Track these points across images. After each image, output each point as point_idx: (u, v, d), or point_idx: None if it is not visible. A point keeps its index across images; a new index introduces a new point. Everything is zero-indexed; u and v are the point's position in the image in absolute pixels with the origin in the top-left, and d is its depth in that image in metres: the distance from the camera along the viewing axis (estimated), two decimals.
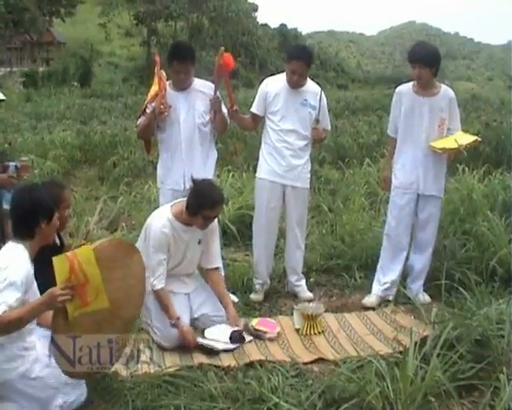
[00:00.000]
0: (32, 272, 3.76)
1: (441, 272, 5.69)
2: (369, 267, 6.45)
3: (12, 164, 5.22)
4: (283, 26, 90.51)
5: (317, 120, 5.95)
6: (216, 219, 5.41)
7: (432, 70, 5.77)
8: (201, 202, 4.99)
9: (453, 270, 5.93)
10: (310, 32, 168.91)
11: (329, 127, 6.32)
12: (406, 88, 6.02)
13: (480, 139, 6.19)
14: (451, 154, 5.93)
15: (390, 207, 6.22)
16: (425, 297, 5.97)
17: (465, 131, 6.30)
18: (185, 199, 5.16)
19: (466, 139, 5.84)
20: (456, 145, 5.71)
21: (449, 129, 5.89)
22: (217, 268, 5.57)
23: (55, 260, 3.71)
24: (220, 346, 4.97)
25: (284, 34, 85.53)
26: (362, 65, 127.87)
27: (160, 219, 5.12)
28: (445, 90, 5.93)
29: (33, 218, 3.83)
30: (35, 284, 3.83)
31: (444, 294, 5.46)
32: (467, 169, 9.19)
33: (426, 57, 5.78)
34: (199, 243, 5.32)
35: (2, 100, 9.79)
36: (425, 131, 5.85)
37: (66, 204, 4.84)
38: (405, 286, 6.04)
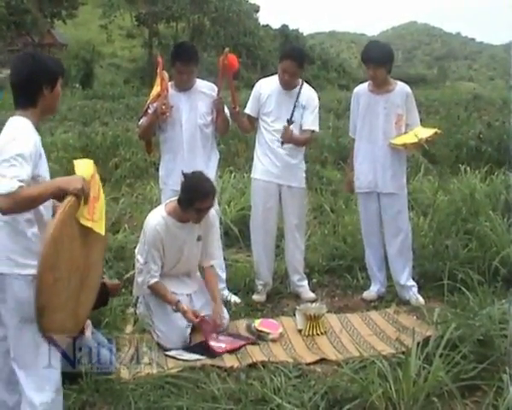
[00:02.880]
0: (39, 143, 3.50)
1: (443, 272, 5.70)
2: None
3: None
4: (285, 26, 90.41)
5: (289, 121, 5.86)
6: (215, 216, 5.43)
7: (386, 68, 5.82)
8: (192, 195, 5.03)
9: (455, 270, 5.92)
10: (311, 33, 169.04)
11: (317, 128, 6.16)
12: (362, 88, 6.09)
13: (439, 131, 6.18)
14: (412, 148, 5.99)
15: (359, 210, 6.34)
16: (419, 299, 5.94)
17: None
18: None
19: (426, 133, 5.85)
20: (416, 139, 5.74)
21: (408, 125, 5.89)
22: (211, 266, 5.55)
23: (82, 161, 3.68)
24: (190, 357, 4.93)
25: (286, 35, 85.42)
26: (363, 65, 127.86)
27: (155, 218, 5.18)
28: (401, 87, 5.95)
29: (36, 84, 3.52)
30: (44, 158, 3.56)
31: (446, 294, 5.46)
32: (469, 169, 9.20)
33: (379, 57, 5.82)
34: (198, 239, 5.34)
35: None
36: (381, 128, 5.88)
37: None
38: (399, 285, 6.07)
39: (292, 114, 5.87)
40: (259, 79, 6.44)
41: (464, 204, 7.42)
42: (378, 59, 5.79)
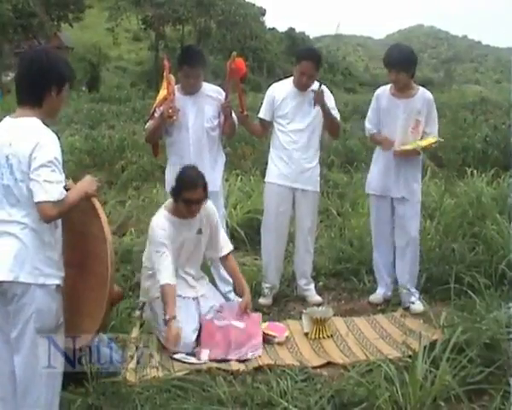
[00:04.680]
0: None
1: (450, 276, 5.70)
2: None
3: None
4: (291, 29, 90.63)
5: (320, 84, 5.86)
6: (214, 209, 5.47)
7: (408, 73, 5.74)
8: (179, 185, 5.12)
9: (462, 273, 5.91)
10: (318, 36, 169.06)
11: (338, 116, 6.16)
12: (384, 90, 6.02)
13: (441, 139, 6.13)
14: (408, 154, 5.81)
15: (370, 212, 6.31)
16: (419, 307, 5.87)
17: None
18: None
19: (426, 141, 5.79)
20: (413, 146, 5.70)
21: (425, 133, 5.82)
22: (228, 254, 5.55)
23: None
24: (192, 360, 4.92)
25: (292, 38, 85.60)
26: (370, 68, 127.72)
27: (158, 219, 5.19)
28: (423, 92, 5.88)
29: (45, 82, 3.43)
30: None
31: (453, 297, 5.45)
32: (475, 172, 9.18)
33: (402, 61, 5.73)
34: (198, 232, 5.34)
35: None
36: (399, 132, 5.81)
37: None
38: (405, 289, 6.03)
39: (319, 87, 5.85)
40: (266, 81, 6.52)
41: (471, 207, 7.42)
42: (399, 63, 5.71)
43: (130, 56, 72.93)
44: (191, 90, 5.79)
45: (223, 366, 4.74)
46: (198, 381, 4.37)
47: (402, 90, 5.82)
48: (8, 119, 3.51)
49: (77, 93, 39.75)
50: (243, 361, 4.86)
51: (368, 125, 6.13)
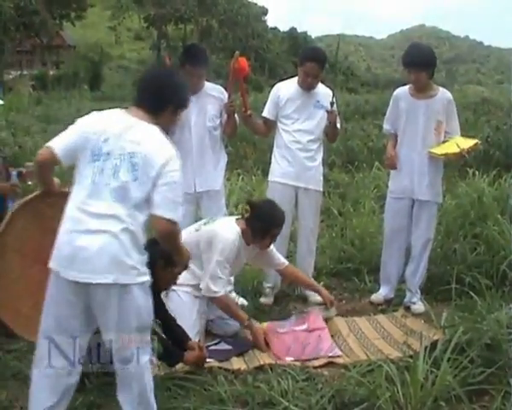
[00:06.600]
0: None
1: (451, 276, 5.70)
2: (378, 271, 6.42)
3: (14, 173, 5.20)
4: (293, 29, 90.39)
5: (332, 104, 5.92)
6: None
7: (428, 73, 5.68)
8: (270, 223, 5.21)
9: (463, 274, 5.91)
10: (319, 36, 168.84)
11: (339, 125, 6.24)
12: (403, 91, 5.94)
13: (480, 142, 6.12)
14: (453, 158, 5.85)
15: (385, 213, 6.27)
16: (420, 307, 5.90)
17: (467, 136, 6.19)
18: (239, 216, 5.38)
19: (467, 143, 5.72)
20: (458, 149, 5.59)
21: (447, 132, 5.77)
22: (288, 264, 5.72)
23: None
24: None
25: (294, 38, 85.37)
26: (371, 68, 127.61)
27: (232, 232, 5.18)
28: (443, 93, 5.82)
29: (169, 98, 3.67)
30: None
31: (454, 298, 5.45)
32: (477, 173, 9.17)
33: (421, 61, 5.66)
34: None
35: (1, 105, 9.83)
36: (421, 134, 5.76)
37: (180, 270, 4.74)
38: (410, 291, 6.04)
39: (332, 99, 5.90)
40: (267, 81, 6.49)
41: (472, 208, 7.40)
42: (419, 63, 5.64)
43: (132, 55, 73.01)
44: (193, 89, 5.77)
45: (224, 365, 4.73)
46: (199, 380, 4.36)
47: (422, 91, 5.77)
48: (123, 113, 3.69)
49: (79, 92, 39.77)
50: (245, 362, 4.85)
51: (385, 125, 6.16)
